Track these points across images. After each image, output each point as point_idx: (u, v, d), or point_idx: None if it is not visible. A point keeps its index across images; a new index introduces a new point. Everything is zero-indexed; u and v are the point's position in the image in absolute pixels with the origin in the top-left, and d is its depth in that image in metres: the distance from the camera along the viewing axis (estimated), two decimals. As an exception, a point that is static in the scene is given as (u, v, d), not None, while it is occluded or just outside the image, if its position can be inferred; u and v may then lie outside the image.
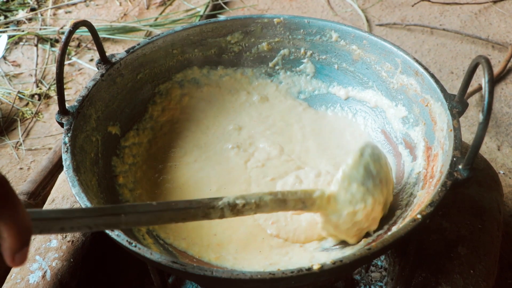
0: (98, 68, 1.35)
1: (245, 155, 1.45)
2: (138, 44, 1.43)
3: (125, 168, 1.38)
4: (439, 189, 1.02)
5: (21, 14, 2.89)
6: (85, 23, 1.24)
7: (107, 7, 2.97)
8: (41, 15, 2.89)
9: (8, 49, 2.65)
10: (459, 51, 2.52)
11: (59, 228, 0.80)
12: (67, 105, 1.22)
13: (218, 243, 1.24)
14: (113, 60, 1.37)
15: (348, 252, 1.11)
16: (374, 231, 1.20)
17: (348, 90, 1.54)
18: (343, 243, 1.22)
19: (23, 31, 2.74)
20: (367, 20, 2.76)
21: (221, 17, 1.55)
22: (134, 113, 1.47)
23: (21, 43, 2.70)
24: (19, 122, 2.24)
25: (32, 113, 2.28)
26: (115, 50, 2.63)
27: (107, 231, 1.00)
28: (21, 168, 2.05)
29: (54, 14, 2.93)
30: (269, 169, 1.42)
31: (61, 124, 1.20)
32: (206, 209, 0.99)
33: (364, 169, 1.15)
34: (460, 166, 1.04)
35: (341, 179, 1.14)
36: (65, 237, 1.32)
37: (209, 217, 1.00)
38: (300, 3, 2.93)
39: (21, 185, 1.93)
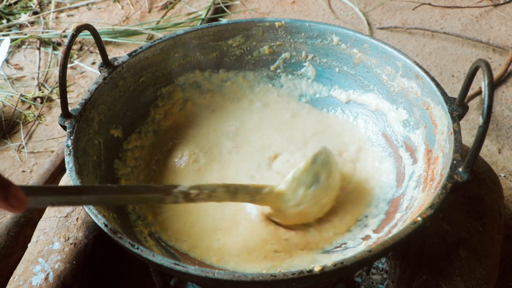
0: (100, 72, 1.36)
1: (246, 160, 1.46)
2: (140, 48, 1.44)
3: (127, 171, 1.39)
4: (440, 192, 1.03)
5: (24, 18, 2.90)
6: (88, 27, 1.25)
7: (109, 11, 2.99)
8: (44, 18, 2.90)
9: (10, 53, 2.66)
10: (460, 55, 2.53)
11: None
12: (69, 108, 1.22)
13: (220, 247, 1.25)
14: (116, 63, 1.38)
15: (349, 254, 1.11)
16: (375, 232, 1.21)
17: (349, 93, 1.54)
18: (344, 246, 1.22)
19: (25, 34, 2.75)
20: (368, 24, 2.76)
21: (223, 21, 1.55)
22: (137, 116, 1.47)
23: (23, 47, 2.71)
24: (21, 125, 2.25)
25: (34, 116, 2.29)
26: (117, 54, 2.64)
27: (110, 234, 1.01)
28: (23, 171, 2.06)
29: (57, 18, 2.94)
30: (269, 173, 1.42)
31: (64, 127, 1.21)
32: (161, 196, 1.07)
33: (313, 175, 1.26)
34: (460, 169, 1.05)
35: (290, 180, 1.25)
36: (68, 239, 1.33)
37: (164, 202, 1.09)
38: (302, 7, 2.94)
39: (23, 187, 1.94)
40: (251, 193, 1.21)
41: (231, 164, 1.45)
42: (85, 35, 2.67)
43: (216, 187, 1.14)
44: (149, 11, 2.96)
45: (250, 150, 1.48)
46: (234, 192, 1.17)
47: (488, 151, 2.04)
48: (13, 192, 0.81)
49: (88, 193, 0.97)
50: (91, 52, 2.68)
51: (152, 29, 2.75)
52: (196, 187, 1.10)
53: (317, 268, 0.92)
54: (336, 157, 1.41)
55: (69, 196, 0.94)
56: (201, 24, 2.64)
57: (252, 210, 1.32)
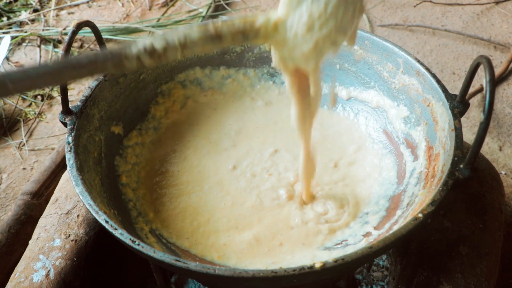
0: (101, 68, 1.36)
1: (247, 156, 1.46)
2: (141, 45, 1.43)
3: (128, 168, 1.39)
4: (441, 189, 1.03)
5: (24, 15, 2.90)
6: (88, 24, 1.25)
7: (109, 8, 2.98)
8: (44, 16, 2.90)
9: (11, 50, 2.66)
10: (461, 52, 2.53)
11: None
12: (70, 105, 1.22)
13: (225, 243, 1.25)
14: (116, 60, 1.38)
15: (350, 250, 1.11)
16: (375, 229, 1.21)
17: (350, 90, 1.54)
18: (345, 242, 1.22)
19: (26, 32, 2.75)
20: (369, 21, 2.76)
21: (223, 18, 1.55)
22: (137, 113, 1.47)
23: (24, 44, 2.71)
24: (22, 122, 2.25)
25: (35, 113, 2.29)
26: (118, 51, 2.64)
27: (111, 231, 1.01)
28: (24, 168, 2.06)
29: (57, 15, 2.94)
30: (270, 170, 1.42)
31: (65, 124, 1.21)
32: (117, 60, 0.88)
33: None
34: (461, 166, 1.05)
35: (287, 2, 0.96)
36: (69, 236, 1.33)
37: (124, 67, 0.89)
38: (302, 4, 2.93)
39: (24, 185, 1.94)
40: (241, 30, 0.94)
41: (233, 163, 1.45)
42: (86, 32, 2.67)
43: (187, 32, 0.90)
44: (150, 9, 2.96)
45: (253, 148, 1.48)
46: (216, 35, 0.92)
47: (489, 148, 2.04)
48: None
49: (14, 80, 0.81)
50: (92, 50, 2.68)
51: (153, 26, 2.74)
52: (161, 39, 0.89)
53: (318, 265, 0.92)
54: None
55: None
56: (201, 21, 2.64)
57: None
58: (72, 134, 1.18)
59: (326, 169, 1.42)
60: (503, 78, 2.35)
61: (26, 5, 3.01)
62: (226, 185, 1.38)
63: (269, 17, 0.97)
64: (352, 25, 0.99)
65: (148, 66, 0.89)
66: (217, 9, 2.88)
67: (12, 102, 2.32)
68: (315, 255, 1.19)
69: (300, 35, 0.96)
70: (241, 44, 0.99)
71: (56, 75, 0.85)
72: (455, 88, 2.30)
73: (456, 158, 1.07)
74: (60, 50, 2.60)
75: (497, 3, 2.83)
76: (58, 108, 2.33)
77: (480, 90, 2.22)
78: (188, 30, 0.90)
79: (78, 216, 1.38)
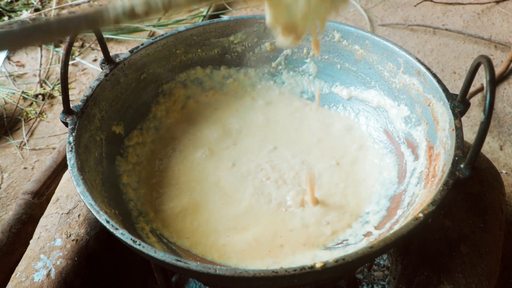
0: (102, 68, 1.36)
1: (246, 154, 1.46)
2: (142, 44, 1.44)
3: (129, 168, 1.39)
4: (441, 188, 1.03)
5: (25, 15, 2.90)
6: (89, 24, 1.25)
7: (110, 8, 2.98)
8: (45, 15, 2.90)
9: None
10: (461, 51, 2.52)
11: None
12: (71, 105, 1.22)
13: (225, 243, 1.25)
14: (117, 60, 1.38)
15: (350, 250, 1.11)
16: (376, 228, 1.21)
17: (351, 90, 1.54)
18: (346, 242, 1.22)
19: (27, 31, 2.75)
20: (370, 20, 2.76)
21: (224, 17, 1.55)
22: (138, 113, 1.47)
23: (25, 44, 2.71)
24: (23, 122, 2.25)
25: (36, 113, 2.29)
26: (119, 50, 2.64)
27: (112, 231, 1.01)
28: (25, 168, 2.06)
29: (58, 15, 2.94)
30: (271, 169, 1.42)
31: (66, 124, 1.21)
32: (92, 23, 0.84)
33: None
34: (462, 165, 1.05)
35: None
36: (70, 236, 1.33)
37: (98, 27, 0.87)
38: (303, 3, 2.93)
39: (25, 184, 1.94)
40: None
41: (233, 161, 1.45)
42: (87, 32, 2.66)
43: None
44: (151, 8, 2.95)
45: (252, 146, 1.48)
46: None
47: (489, 148, 2.04)
48: None
49: None
50: (93, 49, 2.68)
51: (154, 26, 2.74)
52: (144, 2, 0.83)
53: (318, 264, 0.92)
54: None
55: None
56: (202, 20, 2.64)
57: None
58: (73, 133, 1.18)
59: (329, 167, 1.42)
60: (503, 77, 2.35)
61: (27, 5, 3.01)
62: (224, 184, 1.38)
63: None
64: None
65: (122, 23, 0.83)
66: (218, 9, 2.88)
67: (13, 102, 2.32)
68: (316, 255, 1.19)
69: None
70: None
71: (24, 39, 0.78)
72: (456, 87, 2.30)
73: (456, 158, 1.07)
74: (61, 49, 2.60)
75: (497, 2, 2.83)
76: (59, 107, 2.33)
77: (480, 89, 2.22)
78: None
79: (79, 215, 1.38)
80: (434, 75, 1.28)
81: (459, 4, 2.84)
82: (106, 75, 1.34)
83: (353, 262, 0.94)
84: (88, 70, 2.55)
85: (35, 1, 3.02)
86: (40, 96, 2.38)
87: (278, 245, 1.24)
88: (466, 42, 2.58)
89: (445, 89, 1.24)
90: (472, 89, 2.18)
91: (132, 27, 2.73)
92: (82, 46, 2.70)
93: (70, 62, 2.57)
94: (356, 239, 1.23)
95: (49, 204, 1.45)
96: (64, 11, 2.96)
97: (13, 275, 1.27)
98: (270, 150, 1.47)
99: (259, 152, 1.47)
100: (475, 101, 2.22)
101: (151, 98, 1.51)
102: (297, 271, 0.91)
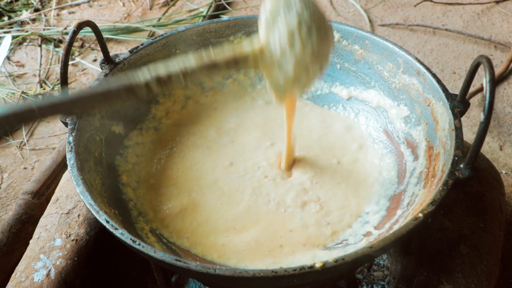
0: (101, 68, 1.36)
1: (243, 151, 1.47)
2: (142, 44, 1.44)
3: (129, 168, 1.39)
4: (441, 188, 1.03)
5: (25, 15, 2.90)
6: (89, 24, 1.25)
7: (110, 8, 2.99)
8: (45, 15, 2.90)
9: (12, 50, 2.66)
10: (461, 51, 2.53)
11: None
12: (71, 104, 1.22)
13: (225, 243, 1.25)
14: (117, 60, 1.38)
15: (350, 250, 1.11)
16: (376, 228, 1.21)
17: (350, 90, 1.54)
18: (346, 242, 1.22)
19: (27, 31, 2.75)
20: (370, 21, 2.76)
21: (224, 18, 1.56)
22: (138, 113, 1.47)
23: (25, 44, 2.72)
24: (23, 122, 2.25)
25: (36, 113, 2.29)
26: (119, 50, 2.64)
27: (112, 230, 1.01)
28: (25, 168, 2.06)
29: (58, 15, 2.94)
30: (268, 167, 1.42)
31: (65, 124, 1.21)
32: (128, 87, 0.97)
33: (285, 4, 1.03)
34: (461, 166, 1.05)
35: (264, 25, 1.04)
36: (69, 236, 1.33)
37: (136, 95, 0.98)
38: (303, 4, 2.93)
39: (25, 184, 1.94)
40: (232, 57, 1.03)
41: (230, 159, 1.45)
42: (87, 32, 2.67)
43: (186, 61, 1.00)
44: (150, 8, 2.96)
45: (249, 143, 1.48)
46: (212, 63, 1.01)
47: (489, 148, 2.04)
48: None
49: (40, 106, 0.91)
50: (93, 49, 2.68)
51: (154, 26, 2.75)
52: (163, 67, 0.99)
53: (318, 264, 0.92)
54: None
55: (20, 114, 0.90)
56: (202, 21, 2.64)
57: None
58: (73, 134, 1.18)
59: (330, 165, 1.41)
60: (503, 77, 2.35)
61: (27, 5, 3.01)
62: (222, 184, 1.38)
63: (253, 42, 1.05)
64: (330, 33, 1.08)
65: (157, 93, 0.98)
66: (218, 9, 2.89)
67: (13, 102, 2.32)
68: (316, 254, 1.19)
69: (283, 50, 1.03)
70: (237, 70, 1.06)
71: (76, 103, 0.95)
72: (456, 87, 2.30)
73: (456, 158, 1.07)
74: (61, 49, 2.60)
75: (497, 2, 2.83)
76: (59, 107, 2.33)
77: (480, 89, 2.22)
78: (186, 60, 0.99)
79: (78, 215, 1.38)
80: (434, 75, 1.28)
81: (459, 4, 2.84)
82: (106, 75, 1.34)
83: (352, 262, 0.94)
84: (88, 70, 2.55)
85: (35, 1, 3.02)
86: (40, 96, 2.37)
87: (278, 246, 1.24)
88: (466, 42, 2.58)
89: (444, 89, 1.24)
90: (472, 89, 2.18)
91: (132, 27, 2.73)
92: (82, 46, 2.71)
93: (70, 62, 2.57)
94: (355, 239, 1.23)
95: (49, 204, 1.45)
96: (64, 11, 2.96)
97: (13, 275, 1.27)
98: (267, 147, 1.47)
99: (256, 149, 1.47)
100: (475, 101, 2.22)
101: (151, 99, 1.51)
102: (297, 271, 0.91)
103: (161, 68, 0.98)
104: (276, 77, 1.08)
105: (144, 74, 0.97)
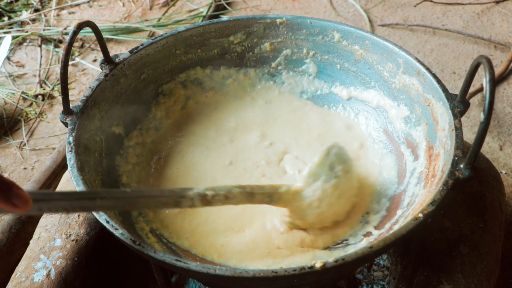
0: (101, 69, 1.36)
1: (243, 151, 1.47)
2: (142, 45, 1.44)
3: (129, 168, 1.39)
4: (441, 188, 1.03)
5: (25, 15, 2.90)
6: (89, 24, 1.25)
7: (110, 8, 2.99)
8: (45, 15, 2.90)
9: (12, 50, 2.66)
10: (461, 51, 2.53)
11: (37, 209, 0.84)
12: (71, 105, 1.22)
13: (224, 244, 1.25)
14: (117, 60, 1.38)
15: (350, 250, 1.11)
16: (376, 229, 1.21)
17: (350, 90, 1.54)
18: (346, 242, 1.22)
19: (27, 31, 2.75)
20: (370, 21, 2.76)
21: (224, 18, 1.55)
22: (138, 113, 1.47)
23: (25, 44, 2.71)
24: (23, 122, 2.25)
25: (36, 113, 2.29)
26: (119, 51, 2.64)
27: (112, 231, 1.01)
28: (25, 168, 2.06)
29: (58, 15, 2.94)
30: (266, 166, 1.42)
31: (65, 124, 1.21)
32: (177, 198, 1.04)
33: (328, 168, 1.23)
34: (461, 165, 1.05)
35: (307, 176, 1.22)
36: (69, 236, 1.33)
37: (180, 206, 1.06)
38: (303, 4, 2.93)
39: (25, 184, 1.94)
40: (268, 193, 1.17)
41: (230, 159, 1.45)
42: (87, 32, 2.67)
43: (231, 188, 1.11)
44: (150, 8, 2.96)
45: (249, 142, 1.48)
46: (251, 193, 1.14)
47: (489, 148, 2.04)
48: (15, 192, 0.79)
49: (102, 197, 0.96)
50: (92, 50, 2.68)
51: (154, 26, 2.75)
52: (211, 189, 1.08)
53: (318, 264, 0.92)
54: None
55: (84, 201, 0.93)
56: (202, 21, 2.64)
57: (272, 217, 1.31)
58: (73, 134, 1.18)
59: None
60: (503, 77, 2.35)
61: (27, 5, 3.01)
62: (221, 183, 1.38)
63: (290, 186, 1.21)
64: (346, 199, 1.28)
65: (195, 207, 1.06)
66: (218, 9, 2.88)
67: (13, 102, 2.32)
68: (316, 255, 1.19)
69: (312, 204, 1.21)
70: (268, 204, 1.20)
71: (132, 201, 1.02)
72: (456, 87, 2.30)
73: (456, 158, 1.07)
74: (61, 50, 2.60)
75: (497, 2, 2.83)
76: (59, 108, 2.33)
77: (480, 89, 2.22)
78: (231, 187, 1.11)
79: (78, 216, 1.38)
80: (434, 75, 1.28)
81: (459, 4, 2.84)
82: (105, 76, 1.34)
83: (352, 262, 0.94)
84: (88, 71, 2.55)
85: (35, 1, 3.02)
86: (40, 96, 2.38)
87: (275, 247, 1.24)
88: (466, 42, 2.58)
89: (444, 89, 1.24)
90: (472, 89, 2.18)
91: (132, 27, 2.73)
92: (82, 46, 2.71)
93: (70, 63, 2.57)
94: (356, 239, 1.23)
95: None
96: (64, 12, 2.96)
97: (13, 275, 1.27)
98: (266, 146, 1.47)
99: (255, 148, 1.47)
100: (475, 101, 2.22)
101: (151, 98, 1.51)
102: (297, 271, 0.91)
103: (209, 190, 1.07)
104: (297, 216, 1.23)
105: (193, 191, 1.05)
